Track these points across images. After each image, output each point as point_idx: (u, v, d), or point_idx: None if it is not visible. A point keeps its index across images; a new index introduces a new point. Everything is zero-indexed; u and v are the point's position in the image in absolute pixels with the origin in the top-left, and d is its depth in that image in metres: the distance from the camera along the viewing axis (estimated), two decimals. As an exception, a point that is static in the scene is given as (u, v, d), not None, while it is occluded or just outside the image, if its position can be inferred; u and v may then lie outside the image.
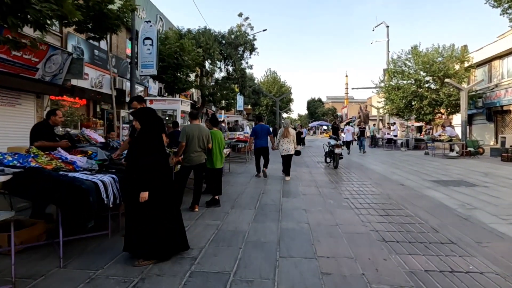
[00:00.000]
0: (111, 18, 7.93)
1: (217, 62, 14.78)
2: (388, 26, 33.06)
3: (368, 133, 23.47)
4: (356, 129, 20.04)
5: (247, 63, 17.31)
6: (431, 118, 22.29)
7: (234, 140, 12.41)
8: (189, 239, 3.79)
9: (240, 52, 16.82)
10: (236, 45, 16.17)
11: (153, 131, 3.48)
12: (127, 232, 3.47)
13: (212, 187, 6.10)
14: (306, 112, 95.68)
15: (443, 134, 14.70)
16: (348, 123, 51.62)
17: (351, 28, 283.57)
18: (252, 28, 17.05)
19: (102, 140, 6.34)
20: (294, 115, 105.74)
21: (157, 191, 3.41)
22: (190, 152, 5.36)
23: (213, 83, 16.43)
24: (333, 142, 11.71)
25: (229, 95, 17.51)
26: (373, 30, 36.21)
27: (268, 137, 9.32)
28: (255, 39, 16.94)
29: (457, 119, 27.64)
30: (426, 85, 22.31)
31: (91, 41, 14.60)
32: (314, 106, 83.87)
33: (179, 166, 5.61)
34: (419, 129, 28.53)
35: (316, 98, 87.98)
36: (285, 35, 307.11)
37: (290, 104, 64.73)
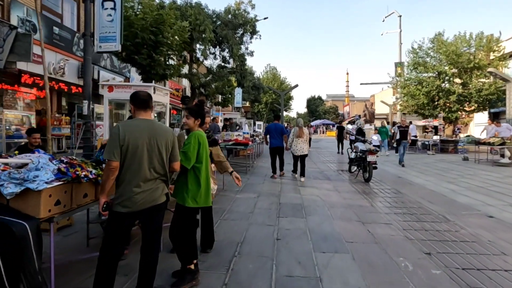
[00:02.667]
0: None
1: (209, 43, 11.78)
2: (400, 16, 30.11)
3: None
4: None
5: (247, 48, 14.33)
6: (457, 116, 19.43)
7: (230, 142, 9.47)
8: None
9: (239, 35, 13.84)
10: (234, 25, 13.19)
11: None
12: None
13: (182, 250, 3.05)
14: (306, 110, 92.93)
15: (497, 134, 11.74)
16: (350, 122, 48.90)
17: (352, 25, 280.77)
18: (253, 7, 14.10)
19: None
20: (293, 114, 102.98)
21: None
22: (130, 182, 2.44)
23: (206, 72, 13.41)
24: (362, 146, 8.79)
25: (225, 88, 14.55)
26: (383, 21, 33.25)
27: (283, 137, 8.88)
28: (257, 20, 13.97)
29: (480, 118, 24.84)
30: (451, 79, 19.43)
31: (49, 14, 11.63)
32: (315, 104, 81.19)
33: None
34: (435, 129, 25.49)
35: (316, 96, 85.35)
36: (285, 31, 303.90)
37: (290, 102, 61.88)
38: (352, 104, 70.12)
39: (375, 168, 8.20)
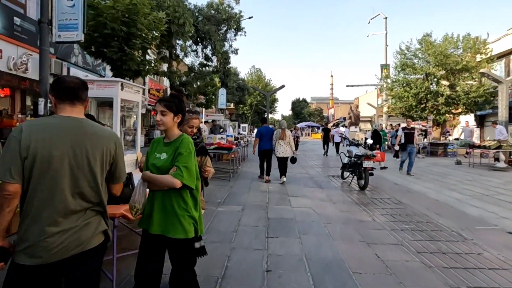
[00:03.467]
0: None
1: (189, 38, 10.85)
2: (386, 18, 29.94)
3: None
4: (399, 132, 11.58)
5: (231, 46, 13.47)
6: (446, 118, 19.13)
7: (212, 147, 8.55)
8: None
9: (222, 31, 12.96)
10: (217, 21, 12.30)
11: None
12: None
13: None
14: (291, 112, 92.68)
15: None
16: (336, 125, 48.72)
17: (337, 28, 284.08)
18: (237, 2, 13.26)
19: None
20: (278, 116, 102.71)
21: None
22: (38, 217, 1.52)
23: (187, 71, 12.45)
24: (356, 150, 8.06)
25: (208, 88, 13.63)
26: (369, 23, 33.03)
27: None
28: (241, 16, 13.13)
29: (468, 120, 24.71)
30: (437, 80, 19.12)
31: (10, 4, 10.44)
32: (300, 107, 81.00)
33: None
34: (425, 132, 25.15)
35: (301, 99, 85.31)
36: (269, 32, 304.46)
37: (275, 104, 61.38)
38: (337, 107, 70.33)
39: (371, 174, 7.47)
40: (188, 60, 13.49)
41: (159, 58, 11.55)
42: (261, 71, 55.69)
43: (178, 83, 11.62)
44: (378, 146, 11.50)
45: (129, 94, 6.05)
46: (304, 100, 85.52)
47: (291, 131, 18.76)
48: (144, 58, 8.53)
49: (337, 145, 18.37)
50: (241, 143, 12.63)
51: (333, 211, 5.71)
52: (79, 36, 6.24)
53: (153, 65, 9.14)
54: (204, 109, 28.18)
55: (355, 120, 46.08)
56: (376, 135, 11.80)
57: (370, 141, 8.74)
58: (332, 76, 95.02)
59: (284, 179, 8.47)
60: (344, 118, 53.27)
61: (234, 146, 9.04)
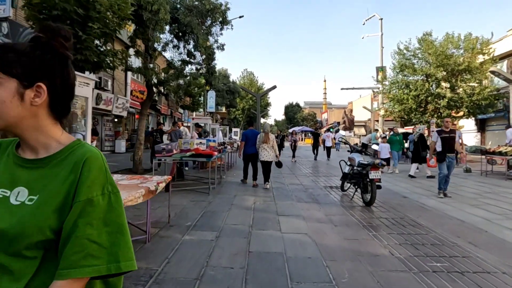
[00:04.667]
0: None
1: (164, 27, 9.50)
2: (381, 19, 29.01)
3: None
4: (433, 137, 8.05)
5: (216, 41, 12.14)
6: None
7: (188, 153, 7.15)
8: None
9: (207, 25, 11.65)
10: (200, 12, 10.99)
11: None
12: None
13: None
14: (284, 117, 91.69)
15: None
16: (328, 129, 47.71)
17: (329, 33, 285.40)
18: (224, -7, 12.02)
19: None
20: (271, 120, 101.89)
21: None
22: None
23: (166, 67, 11.06)
24: (360, 158, 6.77)
25: (190, 87, 12.28)
26: (364, 24, 32.15)
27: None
28: (228, 8, 11.84)
29: (468, 125, 23.73)
30: (438, 82, 18.04)
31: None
32: (293, 111, 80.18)
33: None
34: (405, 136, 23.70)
35: (294, 103, 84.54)
36: (261, 35, 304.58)
37: (268, 108, 60.27)
38: (330, 111, 69.52)
39: (379, 188, 6.16)
40: (167, 56, 12.10)
41: (134, 52, 10.19)
42: (254, 74, 54.42)
43: (154, 80, 10.22)
44: (426, 152, 10.35)
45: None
46: (297, 105, 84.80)
47: (288, 136, 17.98)
48: (107, 48, 7.14)
49: (328, 149, 18.55)
50: (227, 149, 11.27)
51: (335, 238, 4.37)
52: (7, 12, 4.85)
53: (120, 57, 7.76)
54: (190, 112, 26.77)
55: (349, 124, 45.17)
56: (422, 140, 10.53)
57: (375, 147, 7.43)
58: (325, 81, 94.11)
59: (268, 186, 8.21)
60: (338, 123, 52.34)
61: (215, 153, 7.67)
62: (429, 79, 17.86)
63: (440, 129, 7.72)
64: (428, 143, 10.29)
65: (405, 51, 18.65)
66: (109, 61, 7.20)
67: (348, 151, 7.94)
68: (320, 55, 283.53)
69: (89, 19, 6.45)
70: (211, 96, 25.38)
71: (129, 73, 19.38)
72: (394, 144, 11.82)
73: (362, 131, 48.82)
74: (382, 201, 6.70)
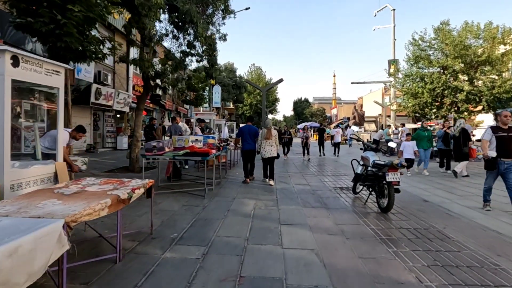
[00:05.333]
0: None
1: (159, 13, 8.76)
2: (394, 10, 27.80)
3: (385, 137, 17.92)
4: (485, 135, 5.86)
5: (218, 31, 11.36)
6: (465, 117, 16.95)
7: (182, 152, 6.42)
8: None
9: (208, 13, 10.87)
10: (200, -1, 10.22)
11: None
12: None
13: None
14: (292, 113, 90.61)
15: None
16: (338, 125, 46.64)
17: (339, 27, 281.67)
18: (226, -21, 11.23)
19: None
20: (279, 116, 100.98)
21: None
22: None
23: (163, 58, 10.33)
24: (374, 157, 5.96)
25: (191, 81, 11.59)
26: (375, 15, 30.88)
27: (256, 140, 8.38)
28: (230, -5, 11.04)
29: (487, 120, 22.53)
30: (456, 74, 16.95)
31: None
32: (301, 107, 79.12)
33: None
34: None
35: (303, 99, 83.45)
36: (269, 31, 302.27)
37: (276, 103, 59.41)
38: (340, 107, 68.24)
39: (398, 191, 5.34)
40: (165, 46, 11.39)
41: (129, 41, 9.50)
42: (261, 69, 53.48)
43: (151, 72, 9.51)
44: (469, 144, 9.65)
45: (33, 74, 3.96)
46: (306, 100, 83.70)
47: (297, 131, 17.04)
48: (91, 35, 6.42)
49: (336, 145, 17.69)
50: (230, 145, 10.53)
51: (348, 257, 3.59)
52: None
53: (110, 46, 7.06)
54: (195, 107, 26.11)
55: (360, 120, 43.96)
56: (465, 134, 9.55)
57: (393, 145, 6.59)
58: (334, 76, 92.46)
59: (272, 182, 8.06)
60: (348, 118, 51.12)
61: (213, 151, 6.94)
62: (446, 72, 16.80)
63: (495, 125, 5.84)
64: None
65: (420, 42, 17.58)
66: (94, 50, 6.50)
67: (361, 149, 7.11)
68: (329, 50, 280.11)
69: (69, 0, 5.75)
70: (217, 91, 24.66)
71: (131, 67, 18.77)
72: (422, 141, 9.88)
73: (373, 126, 47.61)
74: (400, 206, 5.88)
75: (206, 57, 10.68)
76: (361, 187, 6.71)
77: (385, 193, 5.40)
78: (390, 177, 5.18)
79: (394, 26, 27.80)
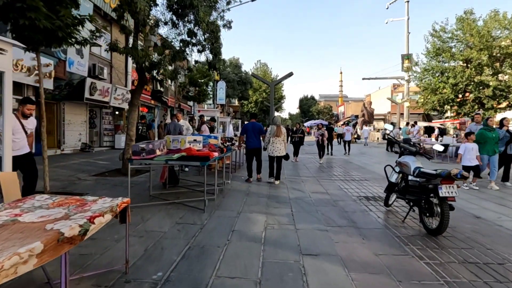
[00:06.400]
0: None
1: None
2: (408, 1, 26.33)
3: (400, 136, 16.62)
4: (476, 126, 8.06)
5: (222, 17, 10.15)
6: (491, 114, 15.58)
7: (176, 155, 5.23)
8: None
9: (211, -2, 9.65)
10: (201, -19, 9.00)
11: None
12: None
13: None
14: (298, 110, 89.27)
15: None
16: (346, 123, 45.28)
17: (346, 24, 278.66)
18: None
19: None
20: (285, 114, 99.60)
21: None
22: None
23: (160, 47, 9.15)
24: (417, 164, 4.74)
25: (193, 74, 10.42)
26: (387, 8, 29.43)
27: (261, 137, 8.24)
28: (235, -22, 9.84)
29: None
30: (481, 67, 15.56)
31: None
32: (307, 105, 77.82)
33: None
34: (428, 131, 20.72)
35: (309, 96, 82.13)
36: (275, 27, 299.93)
37: (282, 101, 58.15)
38: (347, 104, 66.70)
39: (452, 209, 4.12)
40: (162, 33, 10.23)
41: (120, 27, 8.34)
42: (267, 65, 52.17)
43: (146, 63, 8.35)
44: None
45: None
46: (312, 98, 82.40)
47: (328, 129, 15.55)
48: (65, 11, 5.24)
49: (346, 143, 17.31)
50: (234, 146, 9.35)
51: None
52: None
53: (93, 36, 5.90)
54: (200, 104, 24.97)
55: (369, 118, 42.50)
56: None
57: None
58: (341, 73, 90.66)
59: (278, 183, 7.89)
60: (356, 116, 49.65)
61: (214, 154, 5.75)
62: (470, 65, 15.42)
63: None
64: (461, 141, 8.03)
65: (441, 33, 16.19)
66: (69, 31, 5.33)
67: (394, 151, 5.87)
68: (336, 46, 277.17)
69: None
70: (221, 87, 23.48)
71: (130, 61, 17.63)
72: (487, 144, 7.58)
73: (381, 125, 46.12)
74: (450, 225, 4.65)
75: (209, 46, 9.47)
76: (394, 198, 5.49)
77: (434, 211, 4.19)
78: (445, 191, 3.96)
79: (408, 19, 26.34)
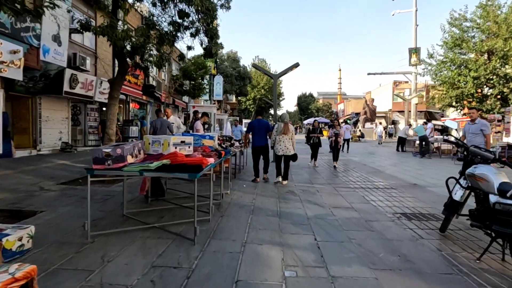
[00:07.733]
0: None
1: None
2: (416, -8, 24.85)
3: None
4: (469, 126, 6.83)
5: (219, -2, 8.59)
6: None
7: (154, 164, 3.75)
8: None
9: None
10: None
11: None
12: None
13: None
14: (296, 108, 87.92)
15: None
16: (345, 121, 43.85)
17: (343, 20, 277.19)
18: None
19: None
20: (283, 111, 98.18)
21: None
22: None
23: (143, 26, 7.62)
24: (502, 179, 3.25)
25: (189, 66, 8.89)
26: (393, 0, 27.90)
27: (267, 135, 7.83)
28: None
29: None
30: (505, 59, 14.15)
31: None
32: (306, 102, 76.48)
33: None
34: (439, 130, 19.26)
35: (307, 94, 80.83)
36: (272, 23, 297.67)
37: (280, 98, 56.73)
38: (347, 102, 65.31)
39: None
40: (145, 10, 8.69)
41: (93, 2, 6.79)
42: (266, 61, 50.61)
43: (127, 45, 6.82)
44: None
45: None
46: (311, 95, 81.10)
47: (330, 127, 14.23)
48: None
49: (345, 142, 16.70)
50: (234, 147, 7.84)
51: None
52: None
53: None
54: (194, 99, 23.39)
55: (371, 115, 41.10)
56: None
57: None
58: (340, 70, 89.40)
59: (285, 182, 7.58)
60: (357, 114, 48.25)
61: (209, 160, 4.24)
62: (493, 57, 13.99)
63: None
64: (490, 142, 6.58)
65: (461, 21, 14.73)
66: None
67: (457, 156, 4.39)
68: (333, 42, 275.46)
69: None
70: (218, 81, 21.94)
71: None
72: None
73: (384, 123, 44.78)
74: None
75: (204, 28, 7.95)
76: (451, 218, 4.03)
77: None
78: None
79: (416, 11, 24.89)
